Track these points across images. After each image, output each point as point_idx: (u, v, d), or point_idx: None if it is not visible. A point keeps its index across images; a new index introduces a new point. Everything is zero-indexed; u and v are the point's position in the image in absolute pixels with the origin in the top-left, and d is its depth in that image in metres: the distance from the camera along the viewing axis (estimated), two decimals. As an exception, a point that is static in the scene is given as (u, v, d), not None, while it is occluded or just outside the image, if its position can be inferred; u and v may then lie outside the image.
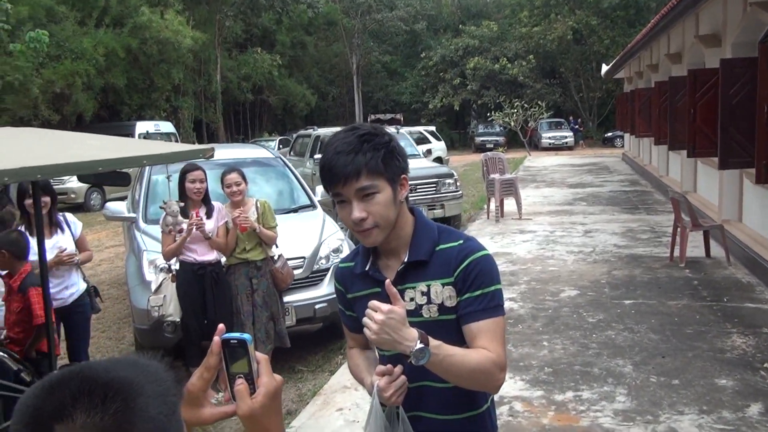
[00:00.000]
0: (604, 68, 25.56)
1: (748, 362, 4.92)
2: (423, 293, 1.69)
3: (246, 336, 1.08)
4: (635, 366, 4.96)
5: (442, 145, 25.46)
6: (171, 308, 4.86)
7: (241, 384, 1.08)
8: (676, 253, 8.01)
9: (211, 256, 4.89)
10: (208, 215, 4.84)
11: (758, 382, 4.57)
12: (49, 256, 4.31)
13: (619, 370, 4.89)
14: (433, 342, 1.54)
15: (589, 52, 36.47)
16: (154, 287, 4.99)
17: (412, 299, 1.70)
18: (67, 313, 4.54)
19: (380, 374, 1.67)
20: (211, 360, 1.09)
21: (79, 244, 4.72)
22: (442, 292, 1.68)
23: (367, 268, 1.77)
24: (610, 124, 36.37)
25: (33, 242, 4.28)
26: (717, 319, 5.91)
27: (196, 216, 4.68)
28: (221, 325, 1.13)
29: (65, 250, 4.44)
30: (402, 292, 1.67)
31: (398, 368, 1.66)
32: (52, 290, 4.31)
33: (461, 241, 1.72)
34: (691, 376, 4.73)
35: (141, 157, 2.33)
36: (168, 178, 4.75)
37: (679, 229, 8.03)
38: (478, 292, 1.66)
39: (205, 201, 4.89)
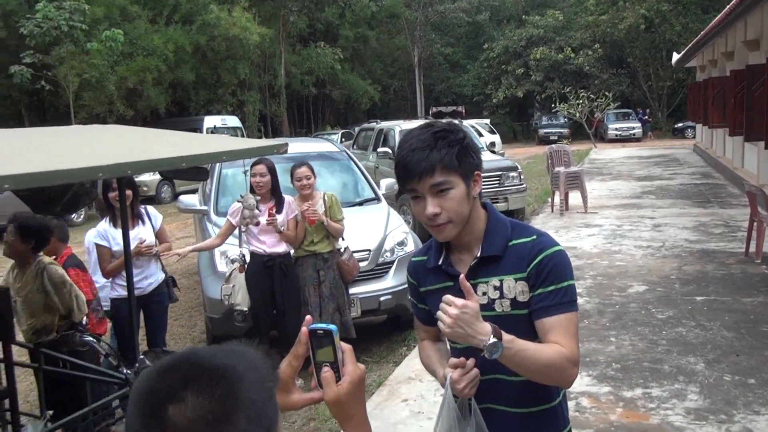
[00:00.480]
0: (675, 57, 24.67)
1: (830, 363, 4.72)
2: (495, 288, 1.71)
3: (332, 327, 1.15)
4: (708, 364, 4.83)
5: (496, 138, 25.31)
6: (239, 298, 5.02)
7: (327, 372, 1.14)
8: (752, 248, 7.71)
9: (281, 248, 5.01)
10: (278, 209, 4.97)
11: (841, 384, 4.38)
12: (131, 247, 4.55)
13: (690, 368, 4.77)
14: (506, 336, 1.56)
15: (659, 40, 35.22)
16: (226, 276, 5.17)
17: (484, 293, 1.72)
18: (145, 302, 4.74)
19: (453, 367, 1.69)
20: (299, 349, 1.16)
21: (159, 235, 4.93)
22: (515, 287, 1.70)
23: (440, 263, 1.79)
24: (680, 114, 35.08)
25: (116, 233, 4.53)
26: (796, 318, 5.68)
27: (269, 210, 4.82)
28: (308, 317, 1.19)
29: (144, 241, 4.66)
30: (474, 287, 1.69)
31: (471, 361, 1.68)
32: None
33: (534, 237, 1.73)
34: (767, 376, 4.57)
35: (221, 153, 2.44)
36: (245, 172, 4.91)
37: (755, 224, 7.72)
38: (551, 288, 1.67)
39: (275, 194, 5.02)
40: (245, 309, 5.04)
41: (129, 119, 22.75)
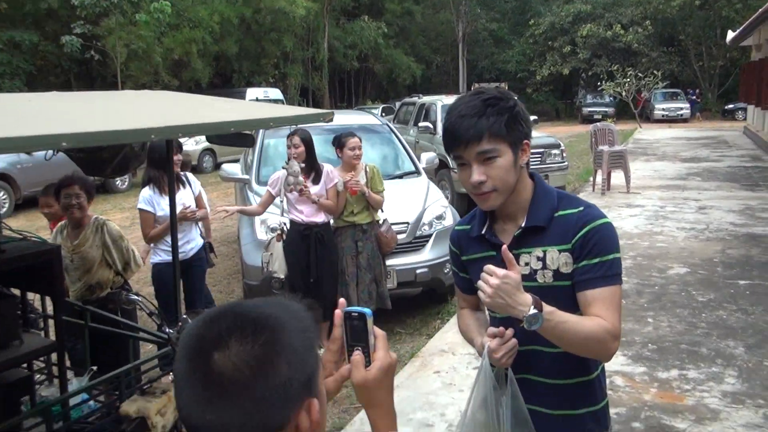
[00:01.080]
0: (730, 35, 23.82)
1: None
2: (539, 258, 1.70)
3: (366, 310, 1.15)
4: (748, 348, 4.76)
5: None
6: (276, 265, 5.12)
7: (357, 354, 1.14)
8: (801, 234, 7.51)
9: (319, 217, 5.05)
10: (316, 179, 5.03)
11: None
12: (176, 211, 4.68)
13: (729, 352, 4.71)
14: (547, 308, 1.56)
15: (714, 18, 33.99)
16: (265, 244, 5.28)
17: (527, 264, 1.71)
18: (186, 267, 4.87)
19: (492, 336, 1.70)
20: (336, 331, 1.17)
21: (198, 201, 5.06)
22: (558, 258, 1.68)
23: (483, 232, 1.79)
24: (731, 95, 33.96)
25: (160, 199, 4.66)
26: (843, 306, 5.54)
27: (305, 180, 4.88)
28: (342, 300, 1.19)
29: (189, 207, 4.79)
30: (517, 257, 1.69)
31: (509, 331, 1.68)
32: None
33: (581, 208, 1.70)
34: (808, 363, 4.49)
35: (268, 120, 2.49)
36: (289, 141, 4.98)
37: (805, 209, 7.51)
38: (596, 260, 1.65)
39: (311, 165, 5.03)
40: (282, 276, 5.14)
41: (174, 89, 23.12)
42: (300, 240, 5.05)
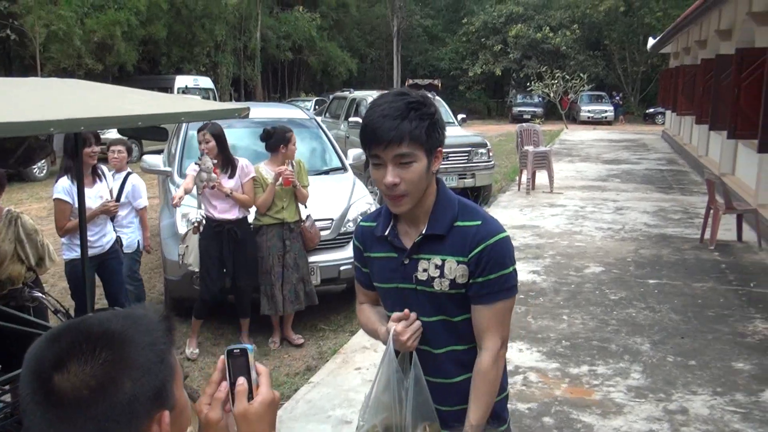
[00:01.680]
0: (651, 42, 24.86)
1: (768, 348, 4.92)
2: (437, 266, 1.74)
3: (248, 346, 1.14)
4: (653, 345, 5.00)
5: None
6: (191, 258, 5.00)
7: (241, 384, 1.12)
8: (707, 235, 7.93)
9: (232, 214, 4.94)
10: (232, 173, 4.91)
11: (776, 368, 4.58)
12: (93, 204, 4.53)
13: (636, 348, 4.93)
14: (471, 425, 1.73)
15: (637, 25, 35.42)
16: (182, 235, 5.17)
17: (425, 270, 1.76)
18: (104, 260, 4.74)
19: (396, 320, 1.77)
20: (214, 375, 1.15)
21: (111, 195, 4.91)
22: (456, 269, 1.73)
23: (386, 233, 1.82)
24: (652, 100, 35.50)
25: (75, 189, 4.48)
26: (741, 304, 5.89)
27: (218, 176, 4.77)
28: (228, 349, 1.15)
29: (110, 200, 4.66)
30: (416, 261, 1.76)
31: (414, 314, 1.76)
32: (91, 238, 4.52)
33: (479, 222, 1.75)
34: (709, 358, 4.75)
35: (179, 114, 2.42)
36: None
37: (712, 212, 7.93)
38: (492, 276, 1.71)
39: (225, 158, 4.91)
40: (197, 269, 5.03)
41: (98, 74, 22.21)
42: (213, 236, 4.96)
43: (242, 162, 5.00)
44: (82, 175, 2.91)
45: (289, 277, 5.09)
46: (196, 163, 4.73)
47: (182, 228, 5.43)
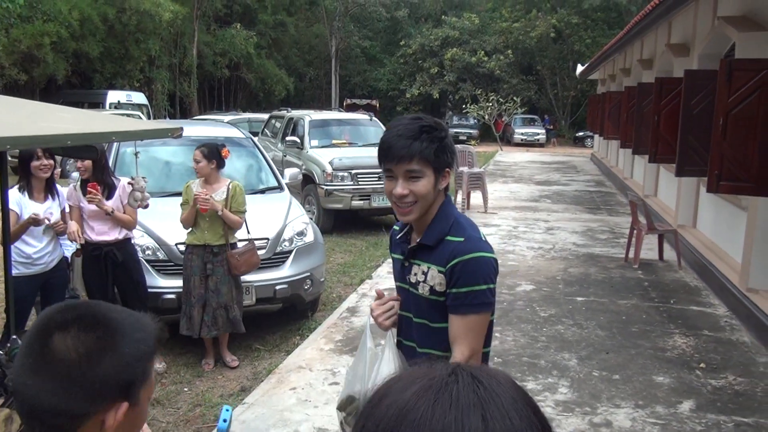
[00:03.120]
0: (580, 68, 25.91)
1: (686, 362, 5.18)
2: (423, 273, 1.96)
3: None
4: (580, 360, 5.18)
5: None
6: (77, 282, 4.84)
7: None
8: (632, 254, 8.28)
9: (111, 236, 4.78)
10: (111, 193, 4.74)
11: (693, 380, 4.82)
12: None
13: (564, 363, 5.10)
14: None
15: (567, 51, 36.88)
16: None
17: (415, 274, 1.99)
18: (48, 278, 4.59)
19: (376, 297, 2.09)
20: None
21: (63, 214, 4.76)
22: (435, 277, 1.93)
23: (399, 237, 2.12)
24: (582, 123, 36.89)
25: (29, 203, 4.36)
26: (662, 320, 6.18)
27: (95, 190, 4.57)
28: None
29: (58, 219, 4.52)
30: (412, 266, 2.01)
31: (388, 295, 2.07)
32: (34, 255, 4.38)
33: (462, 239, 1.92)
34: (632, 372, 4.96)
35: (110, 133, 2.40)
36: (136, 154, 4.76)
37: (635, 232, 8.30)
38: (463, 290, 1.89)
39: (101, 177, 4.72)
40: (83, 294, 4.85)
41: (22, 85, 21.41)
42: (92, 259, 4.78)
43: (123, 181, 4.83)
44: (7, 192, 2.82)
45: (210, 301, 4.97)
46: (129, 183, 4.63)
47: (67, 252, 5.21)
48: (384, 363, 1.98)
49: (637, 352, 5.36)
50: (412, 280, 1.98)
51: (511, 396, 0.67)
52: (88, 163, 4.57)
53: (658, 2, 8.79)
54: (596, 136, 24.16)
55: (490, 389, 0.66)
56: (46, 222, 4.39)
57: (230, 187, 5.03)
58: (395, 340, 2.06)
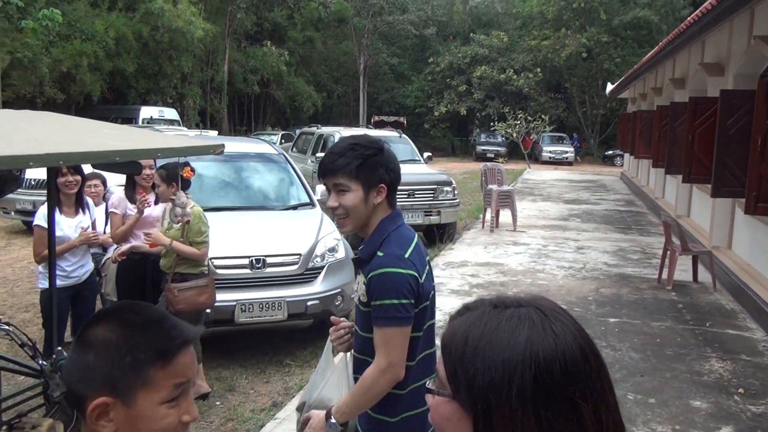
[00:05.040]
0: (610, 87, 25.74)
1: (724, 387, 5.07)
2: (359, 283, 2.07)
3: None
4: (614, 383, 5.06)
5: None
6: (109, 288, 4.90)
7: None
8: (665, 275, 8.16)
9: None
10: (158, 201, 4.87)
11: (731, 406, 4.72)
12: (74, 234, 4.49)
13: (598, 386, 5.01)
14: (334, 410, 2.00)
15: (596, 70, 36.70)
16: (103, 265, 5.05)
17: (356, 284, 2.10)
18: (79, 291, 4.68)
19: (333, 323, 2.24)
20: None
21: (93, 227, 4.88)
22: (361, 287, 2.03)
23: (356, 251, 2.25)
24: (611, 142, 36.58)
25: (61, 218, 4.47)
26: (698, 343, 6.06)
27: (142, 195, 4.69)
28: None
29: (87, 228, 4.63)
30: (357, 277, 2.12)
31: (343, 323, 2.21)
32: (68, 269, 4.48)
33: (381, 254, 2.00)
34: (667, 396, 4.87)
35: (155, 150, 2.45)
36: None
37: (668, 252, 8.18)
38: (376, 302, 1.97)
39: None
40: (114, 299, 4.90)
41: (60, 103, 21.94)
42: (133, 267, 4.85)
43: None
44: (53, 206, 2.89)
45: None
46: (170, 199, 4.70)
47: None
48: (327, 386, 2.16)
49: (673, 376, 5.26)
50: (355, 290, 2.13)
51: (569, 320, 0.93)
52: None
53: (691, 21, 8.73)
54: (626, 155, 23.93)
55: (561, 315, 0.93)
56: (98, 238, 4.51)
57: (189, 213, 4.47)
58: (349, 362, 2.16)
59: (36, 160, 2.04)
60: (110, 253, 5.06)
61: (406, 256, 2.00)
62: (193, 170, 4.60)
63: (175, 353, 1.10)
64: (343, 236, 6.45)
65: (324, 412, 2.00)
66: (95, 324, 1.11)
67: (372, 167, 2.02)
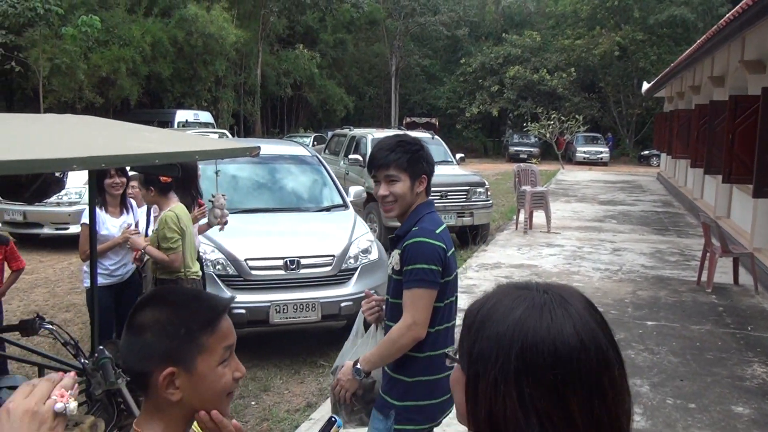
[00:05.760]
0: (646, 86, 25.31)
1: (767, 392, 4.93)
2: (392, 256, 2.38)
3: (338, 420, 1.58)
4: (653, 387, 5.00)
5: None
6: (150, 288, 4.93)
7: None
8: (704, 277, 7.98)
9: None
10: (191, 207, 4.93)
11: (775, 412, 4.59)
12: (118, 233, 4.62)
13: (635, 390, 4.93)
14: (361, 360, 2.35)
15: (631, 68, 36.10)
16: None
17: (390, 259, 2.41)
18: (122, 289, 4.80)
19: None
20: None
21: (136, 226, 5.00)
22: (395, 257, 2.35)
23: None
24: (647, 142, 35.96)
25: (106, 218, 4.63)
26: (739, 347, 5.91)
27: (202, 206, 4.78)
28: None
29: (130, 226, 4.75)
30: (391, 253, 2.43)
31: (374, 296, 2.52)
32: (111, 267, 4.60)
33: (416, 228, 2.34)
34: (708, 401, 4.76)
35: (193, 152, 2.49)
36: (216, 173, 4.89)
37: (708, 254, 8.00)
38: (408, 267, 2.29)
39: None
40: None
41: (98, 107, 22.42)
42: None
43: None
44: (94, 208, 2.95)
45: None
46: (210, 201, 4.77)
47: None
48: (356, 352, 2.47)
49: (714, 380, 5.14)
50: (389, 262, 2.41)
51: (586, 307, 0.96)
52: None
53: (731, 18, 8.53)
54: (663, 155, 23.51)
55: (573, 305, 0.94)
56: (132, 233, 4.61)
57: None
58: (378, 332, 2.48)
59: (79, 163, 2.08)
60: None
61: (438, 231, 2.36)
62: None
63: (218, 319, 1.24)
64: (375, 237, 6.46)
65: (353, 360, 2.33)
66: (141, 309, 1.22)
67: (417, 161, 2.38)
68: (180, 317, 1.21)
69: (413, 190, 2.37)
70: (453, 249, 2.42)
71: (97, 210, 4.56)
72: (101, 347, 2.69)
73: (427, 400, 2.35)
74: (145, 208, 5.24)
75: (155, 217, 4.48)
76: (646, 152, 34.14)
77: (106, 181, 4.51)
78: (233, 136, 24.98)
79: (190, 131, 16.13)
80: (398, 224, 2.45)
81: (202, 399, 1.22)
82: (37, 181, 2.84)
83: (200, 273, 4.44)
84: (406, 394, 2.34)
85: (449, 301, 2.38)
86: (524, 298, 0.94)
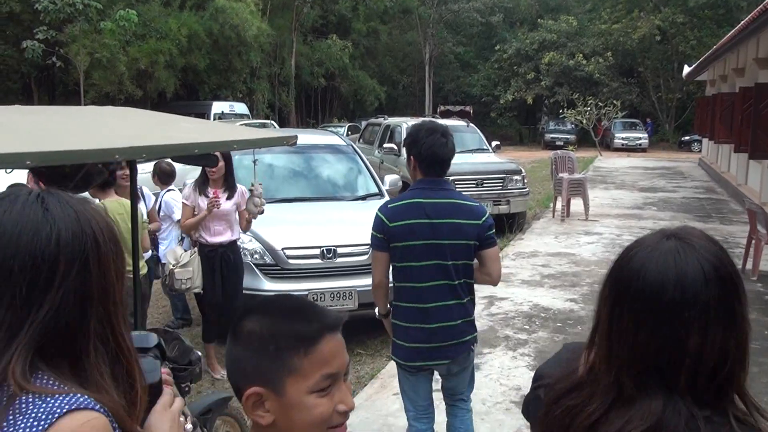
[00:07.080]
0: (686, 69, 24.67)
1: (817, 383, 4.79)
2: None
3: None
4: (696, 377, 4.89)
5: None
6: (197, 279, 4.94)
7: None
8: (749, 265, 7.77)
9: (225, 236, 4.96)
10: (230, 195, 4.94)
11: (826, 403, 4.45)
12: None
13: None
14: None
15: (671, 52, 35.21)
16: (183, 261, 5.12)
17: None
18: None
19: None
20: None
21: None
22: None
23: None
24: (687, 127, 35.09)
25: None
26: (787, 337, 5.75)
27: (215, 194, 4.78)
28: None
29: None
30: None
31: None
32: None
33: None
34: (755, 391, 4.58)
35: (232, 142, 2.51)
36: (254, 162, 4.91)
37: (753, 241, 7.79)
38: None
39: (227, 182, 4.96)
40: (202, 292, 4.99)
41: (137, 99, 22.82)
42: (207, 259, 4.92)
43: (241, 188, 5.00)
44: (136, 197, 2.99)
45: None
46: (249, 189, 4.79)
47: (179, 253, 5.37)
48: None
49: (761, 371, 5.01)
50: None
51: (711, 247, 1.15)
52: (221, 165, 4.78)
53: (779, -3, 8.24)
54: (705, 141, 22.93)
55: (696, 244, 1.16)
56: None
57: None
58: None
59: (121, 153, 2.11)
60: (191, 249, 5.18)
61: (390, 206, 2.86)
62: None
63: (315, 339, 1.10)
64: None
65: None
66: (245, 317, 1.13)
67: (408, 146, 3.06)
68: (272, 331, 1.09)
69: (410, 170, 2.94)
70: (408, 221, 2.76)
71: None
72: (195, 351, 2.61)
73: (402, 341, 3.04)
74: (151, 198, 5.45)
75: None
76: (687, 137, 33.30)
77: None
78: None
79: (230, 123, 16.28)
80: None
81: (293, 427, 1.09)
82: (80, 171, 2.89)
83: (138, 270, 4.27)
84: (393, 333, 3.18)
85: (409, 265, 2.82)
86: (656, 242, 1.17)
